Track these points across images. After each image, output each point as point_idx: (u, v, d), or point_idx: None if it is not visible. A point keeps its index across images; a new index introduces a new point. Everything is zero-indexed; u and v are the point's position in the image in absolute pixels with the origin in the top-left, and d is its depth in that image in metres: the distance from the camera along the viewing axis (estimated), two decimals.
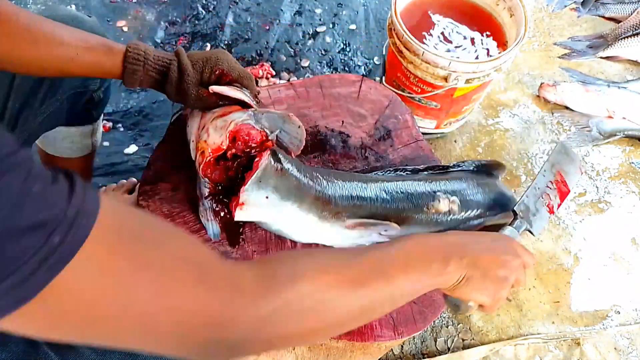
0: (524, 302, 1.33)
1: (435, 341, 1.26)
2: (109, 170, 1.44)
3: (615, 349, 1.29)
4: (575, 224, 1.47)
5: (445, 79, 1.26)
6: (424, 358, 1.23)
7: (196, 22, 1.79)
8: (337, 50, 1.76)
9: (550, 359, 1.26)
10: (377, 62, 1.74)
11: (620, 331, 1.31)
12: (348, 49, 1.77)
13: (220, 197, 0.80)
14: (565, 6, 1.97)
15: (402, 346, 1.25)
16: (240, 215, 0.74)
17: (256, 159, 0.74)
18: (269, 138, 0.78)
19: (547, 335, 1.29)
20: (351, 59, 1.74)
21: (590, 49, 1.84)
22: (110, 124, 1.52)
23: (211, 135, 0.75)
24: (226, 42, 1.75)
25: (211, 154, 0.75)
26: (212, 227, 0.80)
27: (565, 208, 1.49)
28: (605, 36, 1.85)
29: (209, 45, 1.73)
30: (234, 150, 0.76)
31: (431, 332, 1.28)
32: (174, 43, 1.73)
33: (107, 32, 1.73)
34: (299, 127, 0.81)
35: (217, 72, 0.77)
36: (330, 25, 1.83)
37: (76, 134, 0.95)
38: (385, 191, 0.81)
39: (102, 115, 0.99)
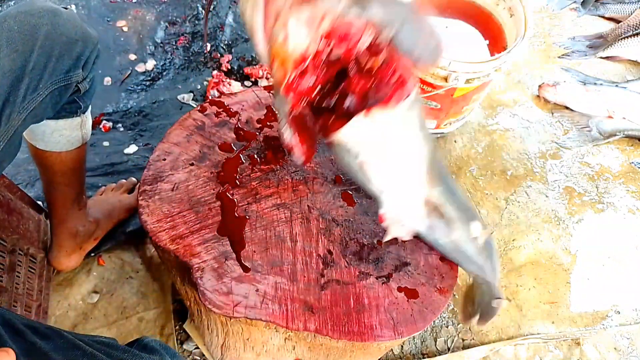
0: (523, 302, 1.33)
1: (435, 341, 1.26)
2: (108, 170, 1.44)
3: (615, 349, 1.29)
4: (575, 224, 1.47)
5: (445, 79, 1.26)
6: (424, 358, 1.23)
7: (196, 22, 1.79)
8: None
9: (550, 359, 1.26)
10: None
11: (620, 331, 1.31)
12: None
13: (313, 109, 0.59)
14: (565, 6, 1.98)
15: (402, 346, 1.25)
16: (339, 135, 0.55)
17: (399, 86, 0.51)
18: (382, 39, 0.50)
19: (547, 335, 1.29)
20: None
21: (590, 49, 1.84)
22: (110, 124, 1.52)
23: (293, 35, 0.49)
24: (226, 42, 1.75)
25: (295, 65, 0.51)
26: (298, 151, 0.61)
27: (565, 208, 1.49)
28: (605, 36, 1.86)
29: (209, 45, 1.73)
30: (325, 55, 0.52)
31: (431, 332, 1.28)
32: (174, 43, 1.73)
33: (107, 32, 1.75)
34: (430, 33, 0.52)
35: None
36: None
37: (64, 127, 0.94)
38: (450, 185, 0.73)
39: (90, 107, 0.98)
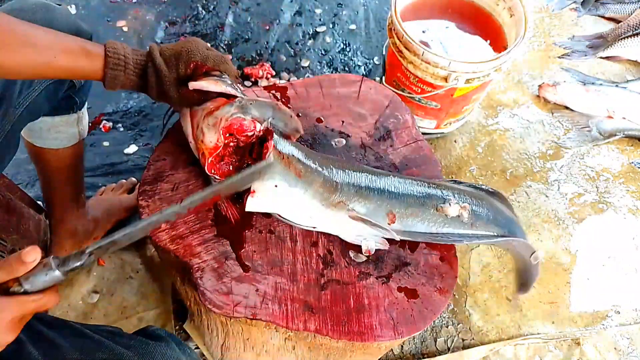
0: (523, 302, 1.33)
1: (435, 341, 1.27)
2: (108, 170, 1.44)
3: (615, 348, 1.29)
4: (575, 224, 1.47)
5: (445, 79, 1.26)
6: (423, 358, 1.23)
7: (196, 22, 1.79)
8: (337, 50, 1.76)
9: (550, 359, 1.26)
10: (377, 62, 1.74)
11: (620, 331, 1.31)
12: (348, 49, 1.77)
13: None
14: (565, 6, 1.98)
15: (402, 346, 1.25)
16: (251, 204, 0.77)
17: (264, 149, 0.76)
18: (263, 126, 0.79)
19: (547, 335, 1.29)
20: (351, 59, 1.74)
21: (590, 49, 1.84)
22: (110, 124, 1.52)
23: (206, 135, 0.76)
24: (226, 42, 1.75)
25: (210, 154, 0.77)
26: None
27: (565, 208, 1.49)
28: (605, 36, 1.86)
29: (209, 45, 1.73)
30: (232, 144, 0.78)
31: (431, 332, 1.28)
32: (174, 43, 1.73)
33: (107, 32, 1.74)
34: (290, 116, 0.82)
35: (191, 66, 0.76)
36: (330, 26, 1.83)
37: (61, 124, 0.95)
38: (394, 185, 0.82)
39: (86, 103, 0.98)
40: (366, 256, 0.82)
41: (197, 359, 0.81)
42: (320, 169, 0.80)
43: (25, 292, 0.57)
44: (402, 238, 0.81)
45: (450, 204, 0.81)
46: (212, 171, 0.79)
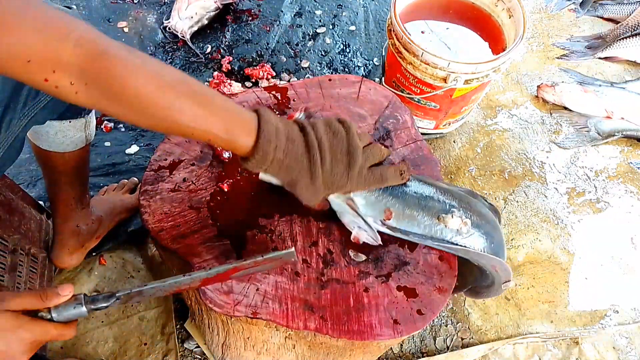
0: (522, 302, 1.34)
1: (435, 340, 1.27)
2: (110, 170, 1.44)
3: (613, 348, 1.29)
4: (573, 224, 1.47)
5: (445, 79, 1.27)
6: (423, 357, 1.24)
7: None
8: (337, 51, 1.77)
9: (549, 358, 1.27)
10: (376, 63, 1.74)
11: (619, 330, 1.32)
12: (348, 50, 1.77)
13: None
14: (564, 7, 1.98)
15: (401, 345, 1.25)
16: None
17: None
18: None
19: (546, 334, 1.30)
20: (351, 60, 1.75)
21: (589, 50, 1.85)
22: (111, 124, 1.53)
23: None
24: (227, 43, 1.76)
25: None
26: None
27: (563, 208, 1.50)
28: (604, 37, 1.86)
29: (209, 46, 1.73)
30: None
31: (430, 331, 1.28)
32: (174, 44, 1.73)
33: (108, 33, 1.74)
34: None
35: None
36: (330, 27, 1.83)
37: (68, 128, 0.94)
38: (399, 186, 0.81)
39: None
40: (365, 255, 0.83)
41: None
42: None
43: (51, 320, 0.60)
44: (394, 234, 0.81)
45: (452, 216, 0.79)
46: None
